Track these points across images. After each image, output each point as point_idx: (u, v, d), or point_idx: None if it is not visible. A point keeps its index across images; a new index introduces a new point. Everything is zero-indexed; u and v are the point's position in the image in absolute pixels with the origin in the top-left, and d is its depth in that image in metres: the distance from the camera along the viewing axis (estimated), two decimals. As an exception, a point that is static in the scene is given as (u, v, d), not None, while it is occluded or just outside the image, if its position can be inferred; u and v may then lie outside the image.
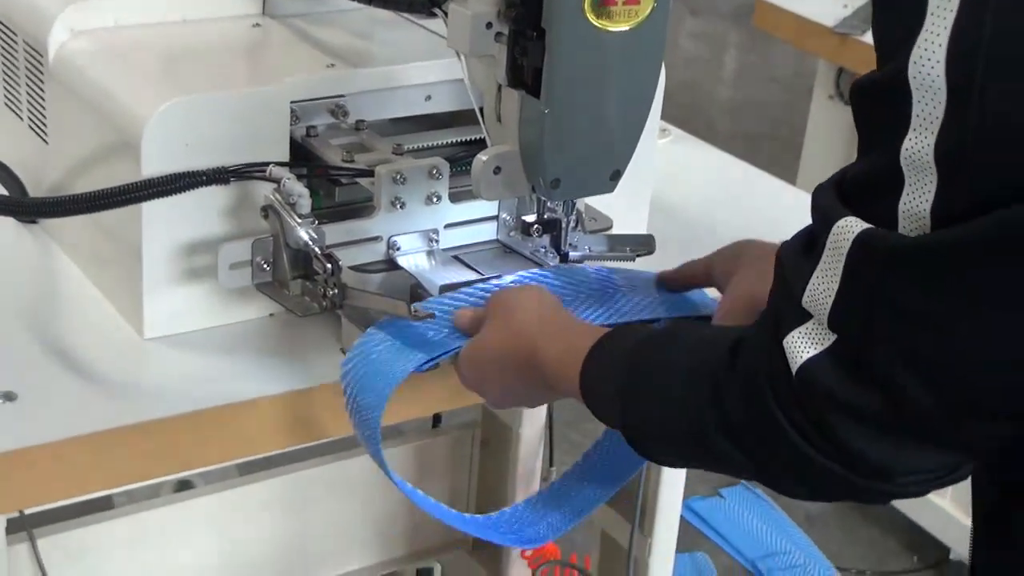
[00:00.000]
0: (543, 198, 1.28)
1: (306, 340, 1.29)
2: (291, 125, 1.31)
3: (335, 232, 1.27)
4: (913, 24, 0.73)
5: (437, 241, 1.33)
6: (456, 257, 1.33)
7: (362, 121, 1.38)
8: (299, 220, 1.21)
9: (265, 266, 1.24)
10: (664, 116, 1.56)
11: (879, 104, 0.77)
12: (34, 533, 1.57)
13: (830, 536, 2.77)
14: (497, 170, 1.22)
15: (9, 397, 1.17)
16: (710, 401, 0.90)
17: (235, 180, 1.24)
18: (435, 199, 1.30)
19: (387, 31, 1.48)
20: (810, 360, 0.81)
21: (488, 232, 1.36)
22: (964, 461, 0.84)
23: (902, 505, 2.65)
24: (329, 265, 1.20)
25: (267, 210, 1.23)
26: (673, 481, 1.80)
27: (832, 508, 2.86)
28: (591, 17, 1.13)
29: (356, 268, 1.27)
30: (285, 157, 1.29)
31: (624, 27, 1.15)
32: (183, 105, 1.24)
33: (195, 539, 1.76)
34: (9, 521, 1.37)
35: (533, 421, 2.03)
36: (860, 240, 0.77)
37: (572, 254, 1.32)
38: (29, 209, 1.41)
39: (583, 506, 1.35)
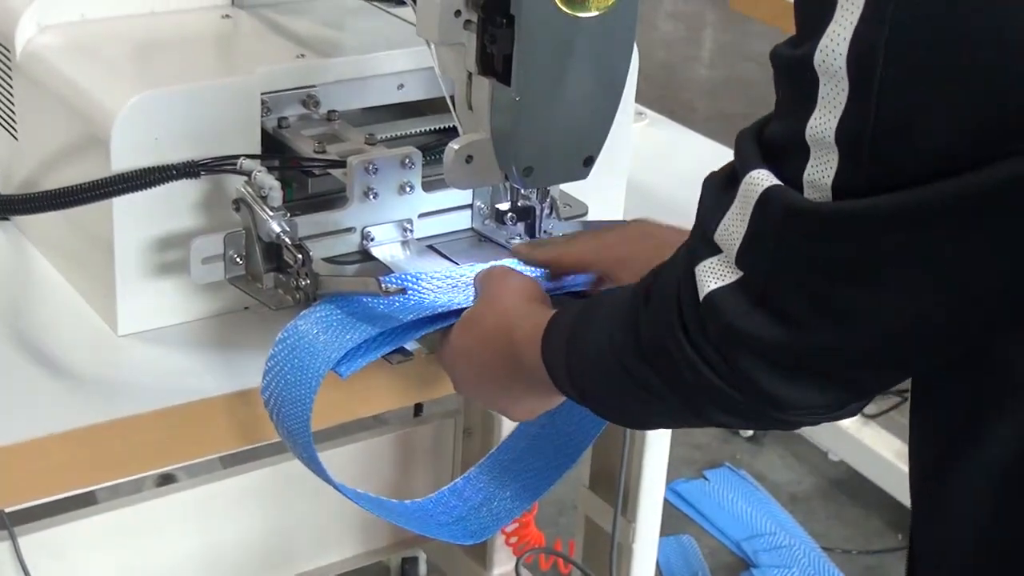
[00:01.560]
0: (516, 186, 1.27)
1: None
2: (262, 116, 1.30)
3: (308, 224, 1.26)
4: (826, 13, 0.78)
5: (411, 231, 1.32)
6: (431, 247, 1.33)
7: (333, 111, 1.37)
8: (271, 213, 1.21)
9: (238, 260, 1.24)
10: (642, 97, 1.56)
11: (792, 79, 0.83)
12: (15, 531, 1.57)
13: (814, 516, 2.77)
14: (469, 159, 1.21)
15: (-17, 396, 1.16)
16: (628, 325, 0.96)
17: (205, 174, 1.23)
18: (408, 189, 1.30)
19: (357, 20, 1.47)
20: (715, 291, 0.87)
21: (463, 221, 1.36)
22: (853, 400, 0.90)
23: (886, 484, 2.66)
24: (300, 256, 1.19)
25: (239, 203, 1.23)
26: (656, 464, 1.80)
27: (816, 489, 2.87)
28: (560, 3, 1.12)
29: (330, 260, 1.26)
30: (256, 149, 1.28)
31: (593, 12, 1.14)
32: (153, 98, 1.23)
33: (179, 533, 1.76)
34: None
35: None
36: (767, 194, 0.83)
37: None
38: None
39: (531, 486, 1.33)
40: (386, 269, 1.27)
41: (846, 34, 0.77)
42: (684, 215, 1.57)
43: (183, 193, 1.25)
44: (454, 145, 1.21)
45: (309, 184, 1.34)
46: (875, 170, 0.78)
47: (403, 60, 1.38)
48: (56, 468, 1.15)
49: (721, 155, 1.78)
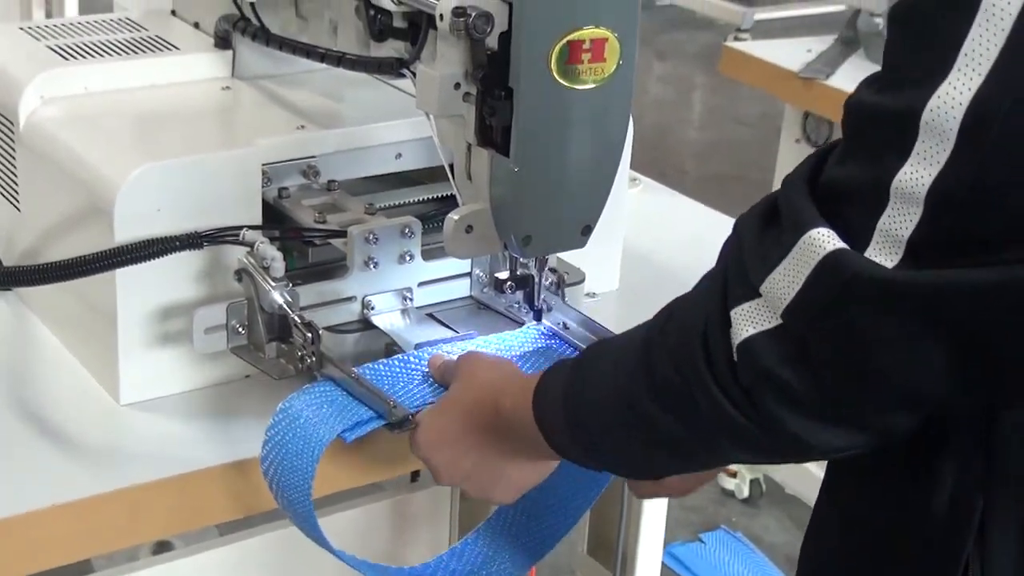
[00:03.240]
0: (515, 255, 1.28)
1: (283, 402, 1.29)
2: (263, 187, 1.31)
3: (309, 293, 1.27)
4: (936, 70, 0.77)
5: (411, 299, 1.33)
6: (431, 315, 1.34)
7: (333, 181, 1.38)
8: (273, 283, 1.22)
9: (240, 330, 1.25)
10: (634, 159, 1.57)
11: (879, 127, 0.82)
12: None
13: (811, 578, 2.76)
14: (469, 229, 1.22)
15: (-15, 465, 1.17)
16: (640, 366, 0.96)
17: (208, 245, 1.24)
18: (408, 258, 1.31)
19: (356, 91, 1.49)
20: (753, 336, 0.87)
21: (462, 289, 1.37)
22: (875, 443, 0.91)
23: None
24: (309, 334, 1.20)
25: (241, 273, 1.24)
26: (653, 528, 1.80)
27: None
28: (557, 76, 1.14)
29: (331, 328, 1.27)
30: (257, 219, 1.30)
31: (590, 85, 1.16)
32: (156, 170, 1.25)
33: (175, 601, 1.75)
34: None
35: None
36: (832, 258, 0.82)
37: (546, 321, 1.32)
38: (2, 278, 1.41)
39: (530, 549, 1.33)
40: (387, 339, 1.28)
41: (965, 95, 0.76)
42: (679, 279, 1.58)
43: (185, 264, 1.26)
44: (454, 215, 1.22)
45: (310, 253, 1.35)
46: (958, 231, 0.78)
47: (402, 131, 1.39)
48: (56, 538, 1.16)
49: (715, 220, 1.80)
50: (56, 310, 1.40)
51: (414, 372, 1.23)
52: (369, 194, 1.41)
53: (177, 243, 1.23)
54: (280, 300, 1.22)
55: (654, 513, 1.80)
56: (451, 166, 1.26)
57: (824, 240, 0.83)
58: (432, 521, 2.00)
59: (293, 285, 1.24)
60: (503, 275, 1.30)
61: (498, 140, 1.18)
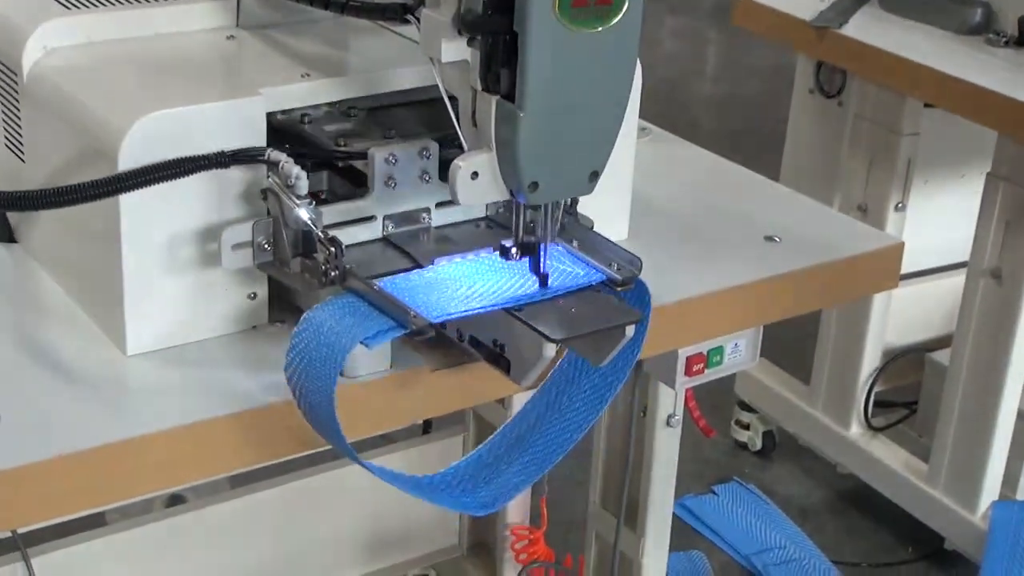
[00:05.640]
0: (522, 202, 1.27)
1: None
2: (283, 114, 1.35)
3: (332, 213, 1.30)
4: None
5: (429, 219, 1.36)
6: (447, 236, 1.36)
7: (353, 107, 1.41)
8: (297, 201, 1.24)
9: (266, 246, 1.27)
10: (646, 114, 1.56)
11: None
12: (28, 552, 1.57)
13: (824, 530, 2.77)
14: (475, 175, 1.21)
15: (-6, 418, 1.17)
16: None
17: (234, 165, 1.26)
18: (426, 178, 1.33)
19: (361, 39, 1.48)
20: None
21: (479, 209, 1.39)
22: None
23: (896, 497, 2.66)
24: (332, 249, 1.23)
25: (266, 192, 1.26)
26: (664, 478, 1.80)
27: (825, 502, 2.86)
28: (563, 19, 1.13)
29: (354, 247, 1.30)
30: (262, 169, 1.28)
31: (596, 28, 1.15)
32: (160, 119, 1.24)
33: (189, 553, 1.76)
34: (1, 541, 1.36)
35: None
36: None
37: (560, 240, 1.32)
38: (30, 202, 1.33)
39: (537, 460, 1.33)
40: (406, 255, 1.31)
41: None
42: (687, 226, 1.59)
43: (190, 215, 1.26)
44: (459, 162, 1.21)
45: (326, 179, 1.38)
46: None
47: (408, 78, 1.39)
48: (67, 489, 1.16)
49: (723, 168, 1.79)
50: (62, 262, 1.40)
51: (431, 285, 1.26)
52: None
53: (205, 161, 1.24)
54: (305, 216, 1.24)
55: (665, 465, 1.80)
56: (457, 114, 1.25)
57: None
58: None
59: (316, 204, 1.26)
60: (508, 242, 1.29)
61: (503, 85, 1.17)
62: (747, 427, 2.99)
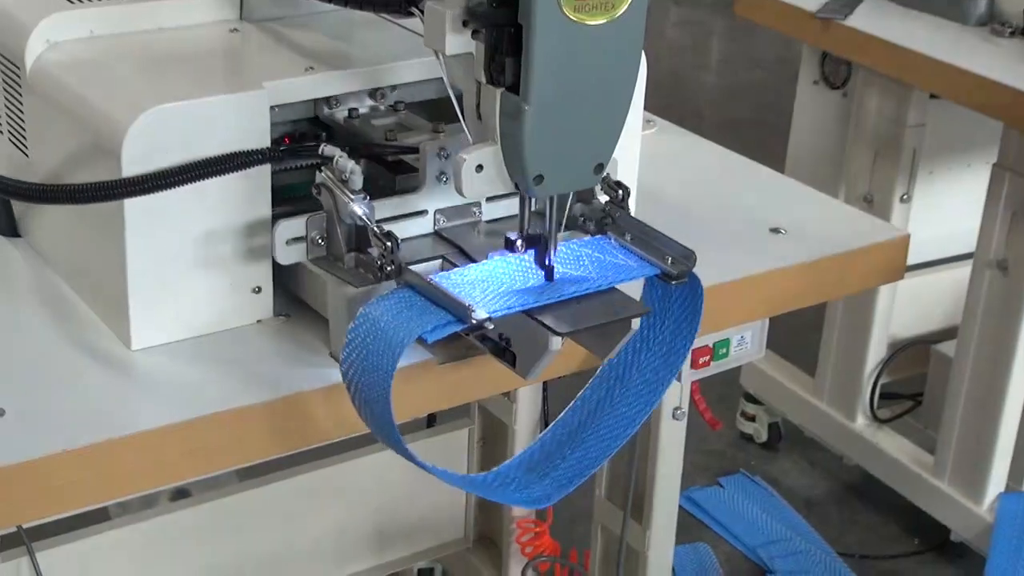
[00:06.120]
0: (527, 195, 1.27)
1: (295, 346, 1.29)
2: (332, 109, 1.37)
3: (384, 207, 1.30)
4: None
5: (481, 213, 1.36)
6: (497, 230, 1.36)
7: (400, 102, 1.41)
8: (352, 196, 1.24)
9: (320, 241, 1.27)
10: (650, 105, 1.56)
11: None
12: (33, 547, 1.56)
13: (829, 521, 2.77)
14: (479, 168, 1.21)
15: (-2, 413, 1.16)
16: None
17: (288, 159, 1.27)
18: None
19: (365, 32, 1.47)
20: None
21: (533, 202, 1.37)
22: None
23: (902, 488, 2.65)
24: (388, 243, 1.22)
25: (320, 187, 1.26)
26: (670, 470, 1.80)
27: (831, 494, 2.86)
28: (567, 11, 1.13)
29: (404, 241, 1.30)
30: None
31: (601, 20, 1.15)
32: (163, 113, 1.24)
33: (195, 547, 1.76)
34: (6, 536, 1.36)
35: (529, 416, 2.03)
36: None
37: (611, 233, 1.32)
38: (61, 196, 1.34)
39: (592, 452, 1.32)
40: (458, 251, 1.31)
41: None
42: (692, 218, 1.58)
43: (194, 212, 1.26)
44: (464, 155, 1.21)
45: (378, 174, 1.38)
46: None
47: (412, 71, 1.38)
48: (71, 484, 1.15)
49: (729, 160, 1.79)
50: (67, 256, 1.39)
51: (485, 280, 1.25)
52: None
53: (259, 156, 1.25)
54: (359, 211, 1.24)
55: (670, 455, 1.80)
56: (461, 107, 1.25)
57: None
58: (449, 466, 2.01)
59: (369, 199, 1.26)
60: (513, 235, 1.28)
61: (508, 78, 1.16)
62: (753, 419, 2.99)
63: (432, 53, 1.23)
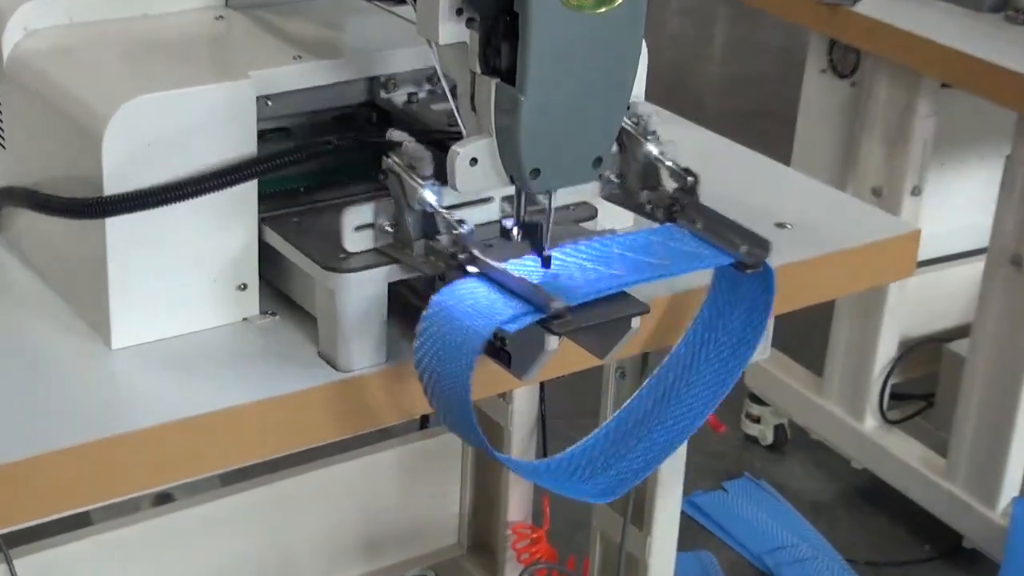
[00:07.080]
0: (524, 190, 1.24)
1: (280, 345, 1.27)
2: (390, 93, 1.38)
3: (450, 194, 1.26)
4: None
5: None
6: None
7: (456, 88, 1.37)
8: (421, 182, 1.21)
9: (388, 228, 1.24)
10: (652, 94, 1.54)
11: None
12: (10, 554, 1.54)
13: (837, 527, 2.74)
14: (474, 162, 1.19)
15: (-26, 414, 1.14)
16: None
17: (353, 146, 1.27)
18: None
19: (354, 19, 1.45)
20: None
21: (593, 189, 1.35)
22: None
23: (911, 492, 2.63)
24: (460, 231, 1.20)
25: (387, 173, 1.24)
26: (672, 474, 1.77)
27: (839, 498, 2.83)
28: (565, 0, 1.11)
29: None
30: (253, 152, 1.26)
31: (600, 9, 1.13)
32: (145, 103, 1.22)
33: (179, 554, 1.75)
34: (-18, 542, 1.34)
35: (524, 418, 2.00)
36: None
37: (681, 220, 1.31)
38: (95, 210, 1.29)
39: (656, 447, 1.30)
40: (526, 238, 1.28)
41: None
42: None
43: (175, 207, 1.23)
44: (457, 148, 1.19)
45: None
46: None
47: (405, 60, 1.36)
48: (51, 487, 1.13)
49: (733, 152, 1.75)
50: (46, 255, 1.37)
51: (560, 268, 1.23)
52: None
53: (329, 146, 1.26)
54: (430, 198, 1.21)
55: (673, 460, 1.77)
56: (455, 97, 1.23)
57: None
58: (441, 468, 1.98)
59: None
60: (509, 222, 1.27)
61: (503, 68, 1.15)
62: (758, 420, 2.96)
63: (425, 42, 1.21)
